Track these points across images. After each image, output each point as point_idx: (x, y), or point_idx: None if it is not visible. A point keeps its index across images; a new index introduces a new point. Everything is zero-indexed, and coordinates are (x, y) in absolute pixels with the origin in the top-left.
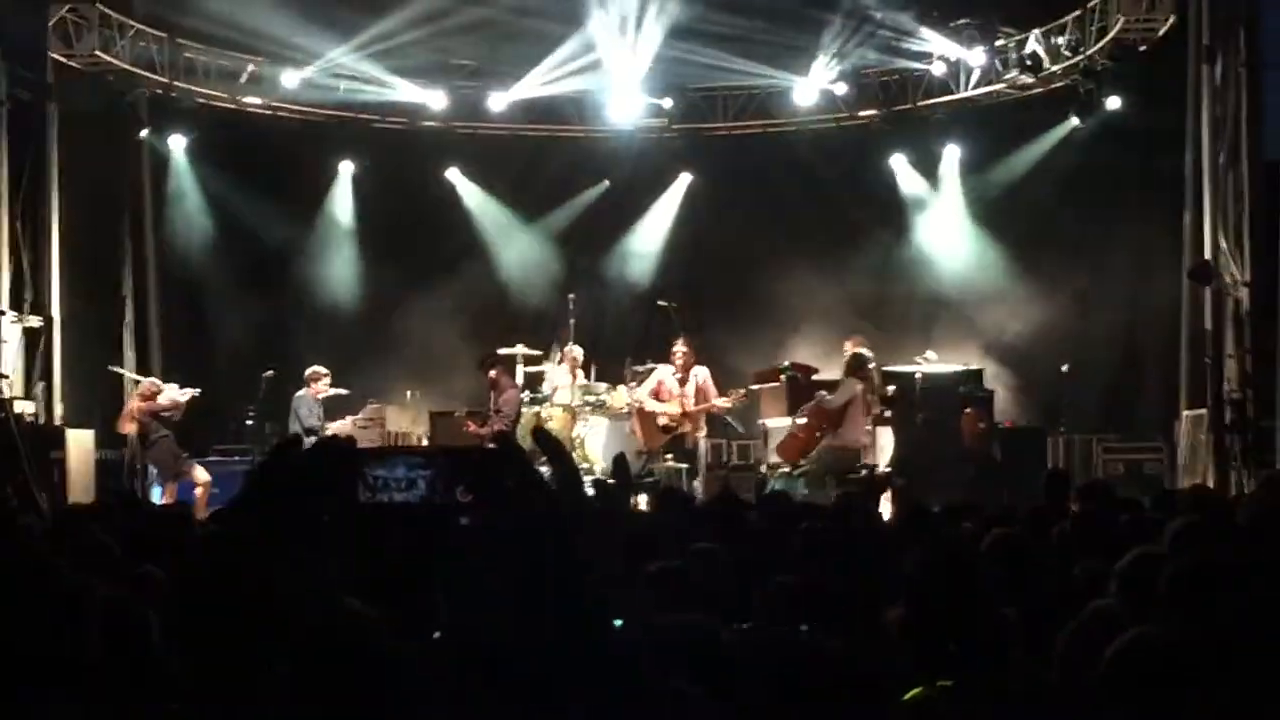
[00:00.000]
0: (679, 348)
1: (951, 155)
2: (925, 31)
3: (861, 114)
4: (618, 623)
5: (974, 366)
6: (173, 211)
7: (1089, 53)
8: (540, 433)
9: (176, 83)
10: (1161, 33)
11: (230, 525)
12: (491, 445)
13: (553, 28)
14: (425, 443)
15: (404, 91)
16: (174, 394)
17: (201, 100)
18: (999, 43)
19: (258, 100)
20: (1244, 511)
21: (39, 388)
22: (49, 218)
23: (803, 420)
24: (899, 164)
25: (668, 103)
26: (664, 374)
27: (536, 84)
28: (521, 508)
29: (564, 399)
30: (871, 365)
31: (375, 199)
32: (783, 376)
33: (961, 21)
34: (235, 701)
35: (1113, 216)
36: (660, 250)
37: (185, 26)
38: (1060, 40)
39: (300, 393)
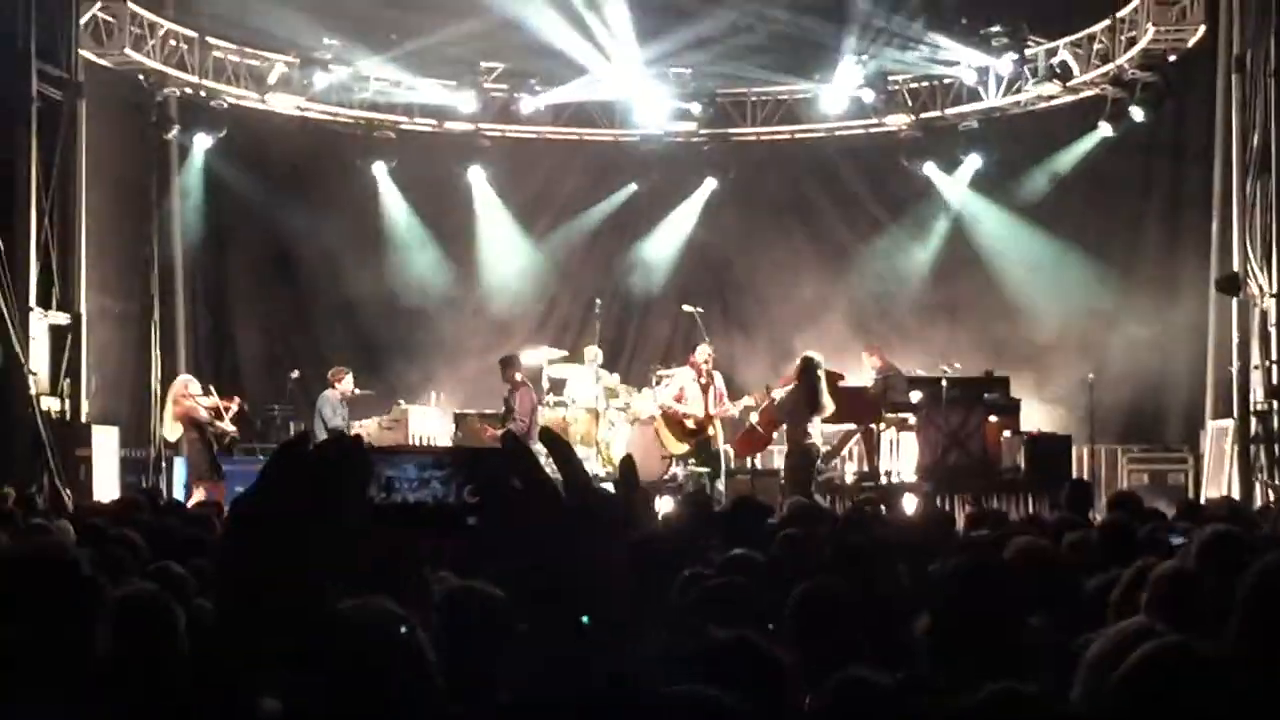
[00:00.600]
0: (703, 352)
1: (979, 163)
2: (945, 40)
3: (889, 121)
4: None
5: (999, 374)
6: (200, 211)
7: (1119, 62)
8: (547, 434)
9: (205, 82)
10: (1191, 43)
11: (244, 513)
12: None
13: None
14: (450, 444)
15: (432, 93)
16: (221, 421)
17: (231, 100)
18: (1028, 51)
19: (286, 100)
20: (1272, 524)
21: (65, 384)
22: (77, 216)
23: (754, 419)
24: (927, 171)
25: (696, 108)
26: (686, 379)
27: (567, 89)
28: (526, 508)
29: (588, 402)
30: (821, 370)
31: (403, 200)
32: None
33: (991, 30)
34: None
35: (1140, 226)
36: (686, 255)
37: (215, 27)
38: (1090, 49)
39: (325, 392)
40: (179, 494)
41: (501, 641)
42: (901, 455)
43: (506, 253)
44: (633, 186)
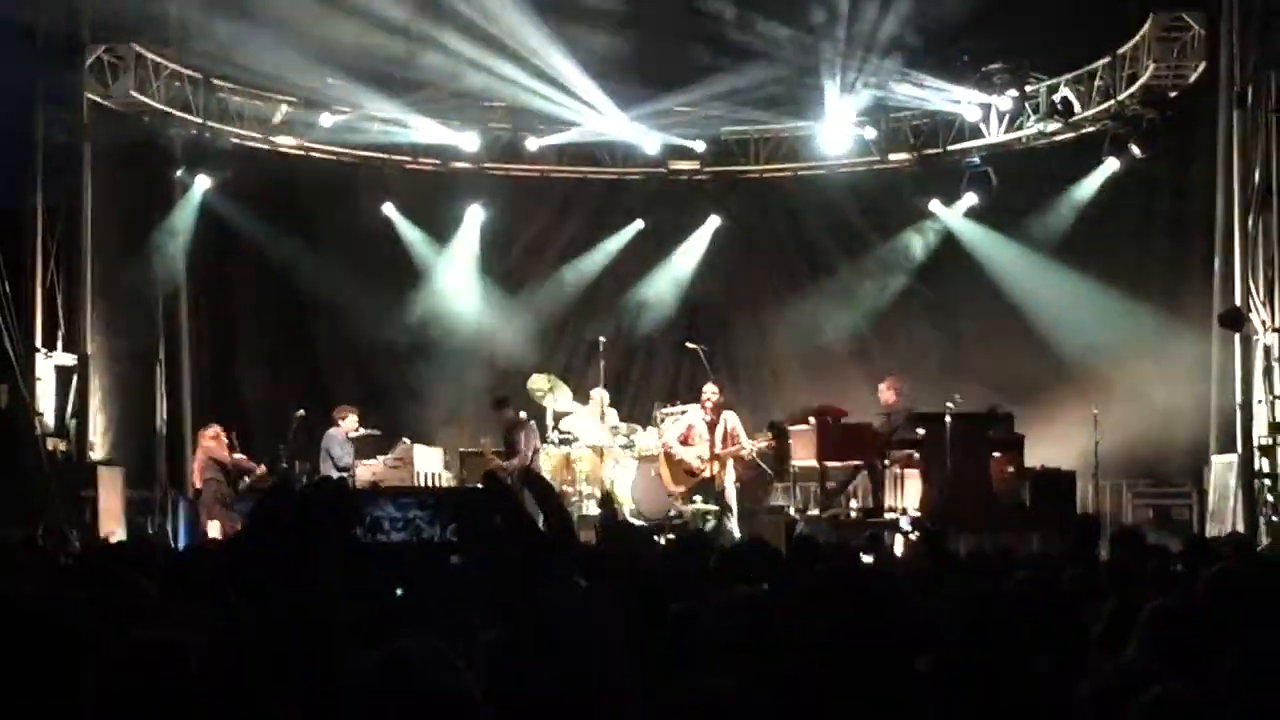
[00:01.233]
0: (709, 391)
1: (983, 200)
2: (946, 77)
3: (892, 158)
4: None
5: (1004, 410)
6: (205, 251)
7: (1120, 98)
8: (528, 474)
9: (210, 123)
10: (1192, 79)
11: (234, 560)
12: (480, 485)
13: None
14: (455, 481)
15: (436, 132)
16: (247, 466)
17: (235, 141)
18: (1030, 88)
19: (291, 141)
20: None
21: (72, 425)
22: (83, 257)
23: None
24: (929, 208)
25: (700, 146)
26: (694, 418)
27: (571, 130)
28: (506, 546)
29: (593, 440)
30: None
31: (407, 239)
32: (812, 419)
33: (993, 67)
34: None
35: (1143, 261)
36: (689, 292)
37: (220, 68)
38: (1091, 86)
39: (330, 431)
40: (183, 534)
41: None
42: (906, 491)
43: (510, 291)
44: (637, 224)
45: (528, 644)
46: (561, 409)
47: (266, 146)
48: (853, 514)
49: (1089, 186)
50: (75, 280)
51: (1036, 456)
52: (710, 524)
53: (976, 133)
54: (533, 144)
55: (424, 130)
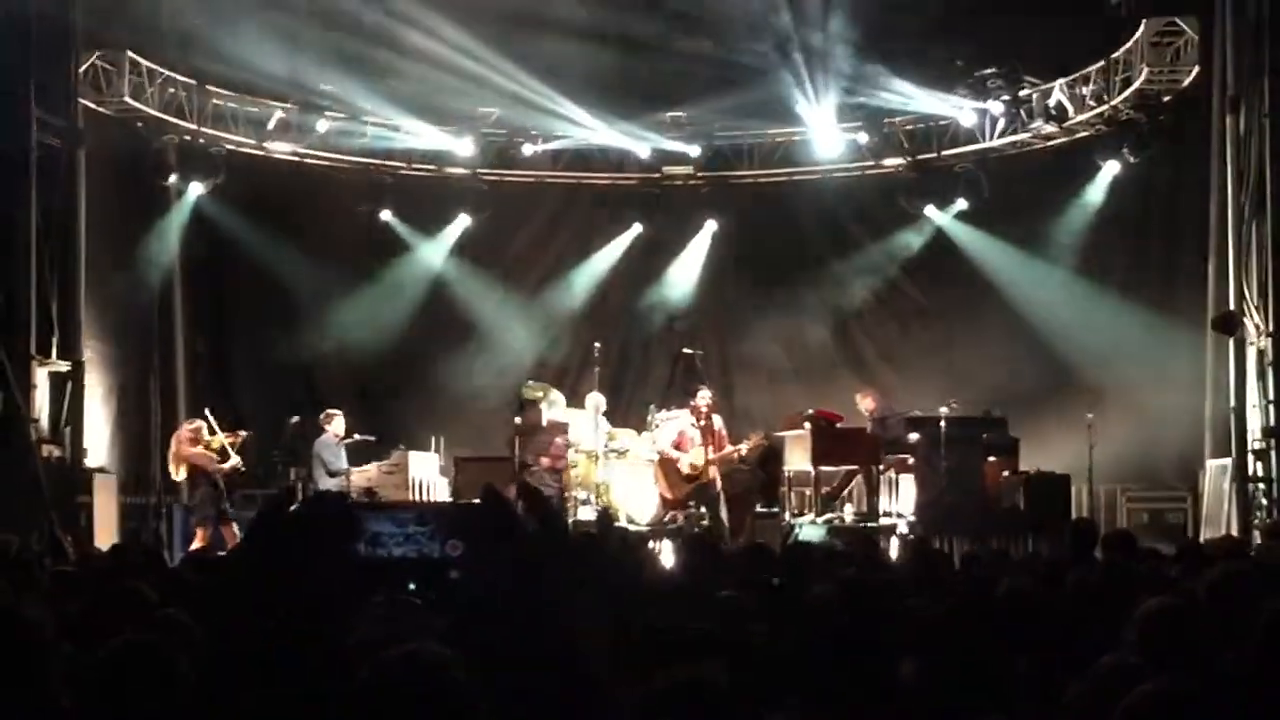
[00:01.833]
0: (703, 396)
1: (976, 205)
2: (940, 81)
3: (886, 163)
4: None
5: (997, 414)
6: (199, 257)
7: (1113, 103)
8: (524, 487)
9: (204, 129)
10: (1186, 84)
11: (231, 575)
12: (478, 500)
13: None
14: (450, 487)
15: (431, 138)
16: (228, 461)
17: (230, 147)
18: (1024, 93)
19: (285, 146)
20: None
21: (66, 432)
22: (77, 263)
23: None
24: (925, 212)
25: (694, 151)
26: (685, 423)
27: (565, 135)
28: (504, 559)
29: (588, 446)
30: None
31: (402, 245)
32: (807, 424)
33: (987, 71)
34: None
35: (1137, 266)
36: (684, 297)
37: (214, 73)
38: (1085, 91)
39: (321, 437)
40: (178, 540)
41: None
42: (902, 496)
43: (506, 297)
44: (631, 230)
45: (517, 651)
46: (555, 416)
47: (260, 152)
48: (848, 519)
49: (1083, 191)
50: (69, 287)
51: (1031, 461)
52: (702, 529)
53: (970, 137)
54: (528, 150)
55: (419, 136)
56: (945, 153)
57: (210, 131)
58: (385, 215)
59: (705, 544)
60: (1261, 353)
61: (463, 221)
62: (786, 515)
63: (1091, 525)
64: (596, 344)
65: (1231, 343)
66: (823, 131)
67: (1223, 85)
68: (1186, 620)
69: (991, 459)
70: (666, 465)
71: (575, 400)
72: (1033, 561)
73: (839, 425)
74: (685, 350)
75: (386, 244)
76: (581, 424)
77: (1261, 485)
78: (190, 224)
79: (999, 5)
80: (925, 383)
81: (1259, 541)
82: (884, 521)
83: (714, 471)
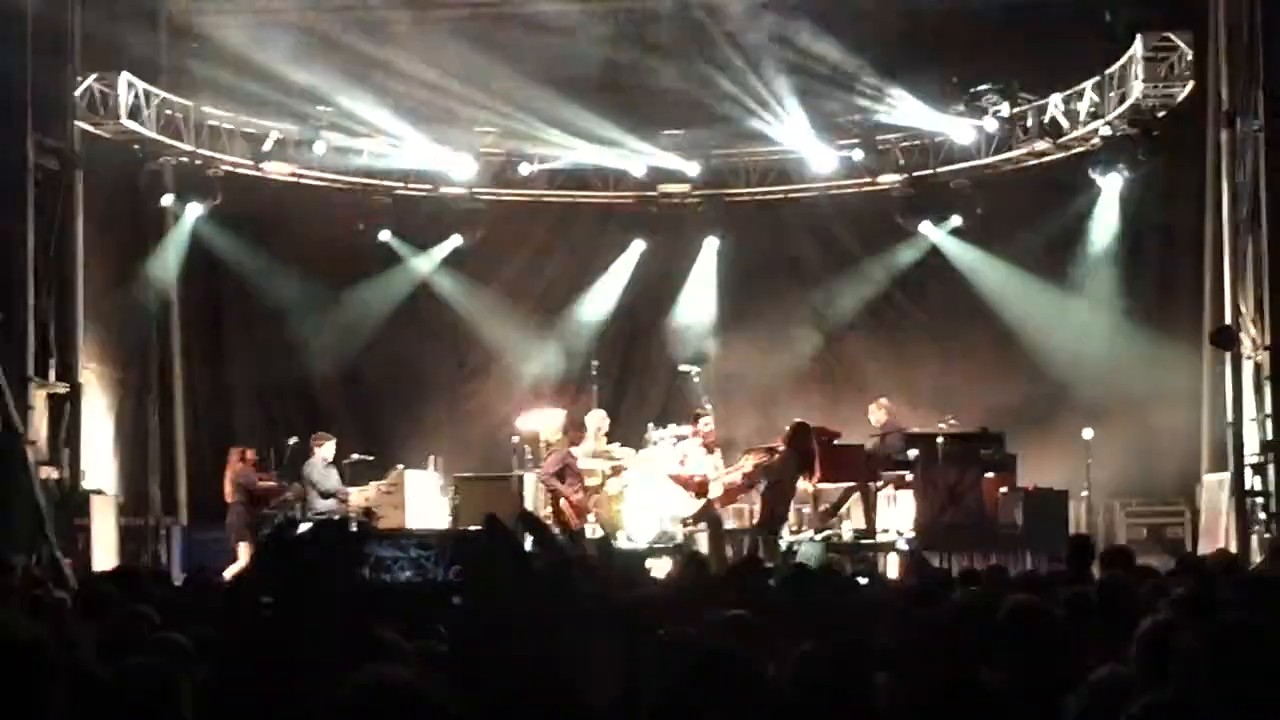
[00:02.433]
0: (706, 422)
1: (971, 221)
2: (936, 98)
3: (882, 180)
4: None
5: (995, 430)
6: (196, 278)
7: (1109, 118)
8: (526, 516)
9: (201, 150)
10: (1180, 99)
11: (238, 600)
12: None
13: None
14: (450, 506)
15: (428, 158)
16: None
17: (226, 168)
18: (1019, 109)
19: (282, 167)
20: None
21: (64, 454)
22: (75, 285)
23: (739, 478)
24: (920, 229)
25: (691, 169)
26: (689, 444)
27: (562, 154)
28: (507, 586)
29: (588, 464)
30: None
31: (399, 264)
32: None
33: (982, 88)
34: None
35: (1133, 280)
36: (680, 315)
37: (210, 94)
38: (1080, 106)
39: (309, 460)
40: (178, 561)
41: None
42: (900, 512)
43: (504, 315)
44: (630, 248)
45: (526, 673)
46: (554, 441)
47: (257, 173)
48: (846, 536)
49: (1078, 206)
50: (67, 309)
51: (1029, 477)
52: (699, 545)
53: (966, 154)
54: (524, 169)
55: (416, 155)
56: (941, 169)
57: (207, 153)
58: (383, 235)
59: (700, 563)
60: (1258, 366)
61: (460, 240)
62: (785, 532)
63: (1089, 541)
64: (595, 362)
65: (1228, 357)
66: (817, 149)
67: (1217, 100)
68: (1184, 636)
69: (989, 475)
70: (681, 483)
71: (575, 419)
72: (1032, 577)
73: (837, 442)
74: (682, 368)
75: (384, 263)
76: (581, 444)
77: (1259, 499)
78: (187, 245)
79: (994, 21)
80: (922, 399)
81: (1258, 555)
82: (882, 538)
83: (718, 490)
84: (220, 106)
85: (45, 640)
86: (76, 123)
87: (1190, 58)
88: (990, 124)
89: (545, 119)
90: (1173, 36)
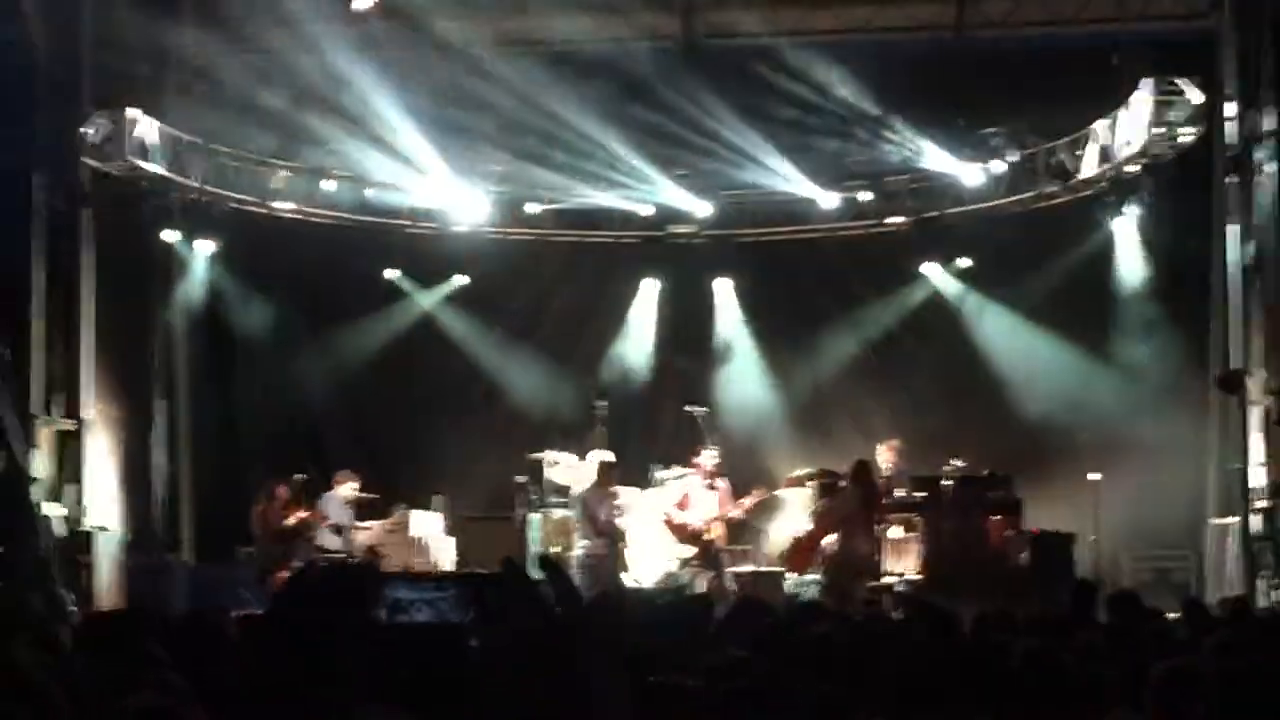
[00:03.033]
0: (709, 455)
1: (980, 262)
2: (944, 140)
3: (889, 221)
4: None
5: (1001, 473)
6: (203, 315)
7: (1117, 162)
8: (545, 561)
9: (208, 188)
10: (1188, 142)
11: (257, 638)
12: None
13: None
14: (454, 545)
15: (436, 196)
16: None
17: (234, 205)
18: (1027, 152)
19: (289, 205)
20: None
21: (69, 491)
22: (81, 323)
23: (808, 529)
24: (928, 270)
25: (697, 210)
26: (691, 484)
27: (569, 194)
28: (521, 626)
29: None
30: (882, 473)
31: (407, 302)
32: (809, 483)
33: (990, 130)
34: None
35: (1140, 324)
36: (688, 354)
37: (217, 133)
38: (1088, 149)
39: (326, 494)
40: (182, 599)
41: None
42: (904, 555)
43: (510, 353)
44: (639, 286)
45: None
46: (561, 480)
47: (264, 210)
48: None
49: (1086, 249)
50: (73, 346)
51: (1036, 520)
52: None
53: (974, 196)
54: (532, 208)
55: (423, 194)
56: (948, 211)
57: (214, 190)
58: (390, 272)
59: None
60: (1266, 411)
61: (467, 278)
62: (788, 576)
63: (1093, 586)
64: (600, 401)
65: (1235, 401)
66: (824, 190)
67: (1224, 144)
68: (1198, 682)
69: (996, 518)
70: (671, 526)
71: (580, 457)
72: (1041, 622)
73: (842, 484)
74: (688, 408)
75: (391, 300)
76: (584, 483)
77: (1266, 543)
78: (194, 283)
79: (1002, 64)
80: (928, 441)
81: (1264, 600)
82: (886, 580)
83: (719, 530)
84: (228, 144)
85: (52, 684)
86: (84, 160)
87: (1198, 102)
88: (998, 166)
89: (552, 157)
90: (1182, 80)
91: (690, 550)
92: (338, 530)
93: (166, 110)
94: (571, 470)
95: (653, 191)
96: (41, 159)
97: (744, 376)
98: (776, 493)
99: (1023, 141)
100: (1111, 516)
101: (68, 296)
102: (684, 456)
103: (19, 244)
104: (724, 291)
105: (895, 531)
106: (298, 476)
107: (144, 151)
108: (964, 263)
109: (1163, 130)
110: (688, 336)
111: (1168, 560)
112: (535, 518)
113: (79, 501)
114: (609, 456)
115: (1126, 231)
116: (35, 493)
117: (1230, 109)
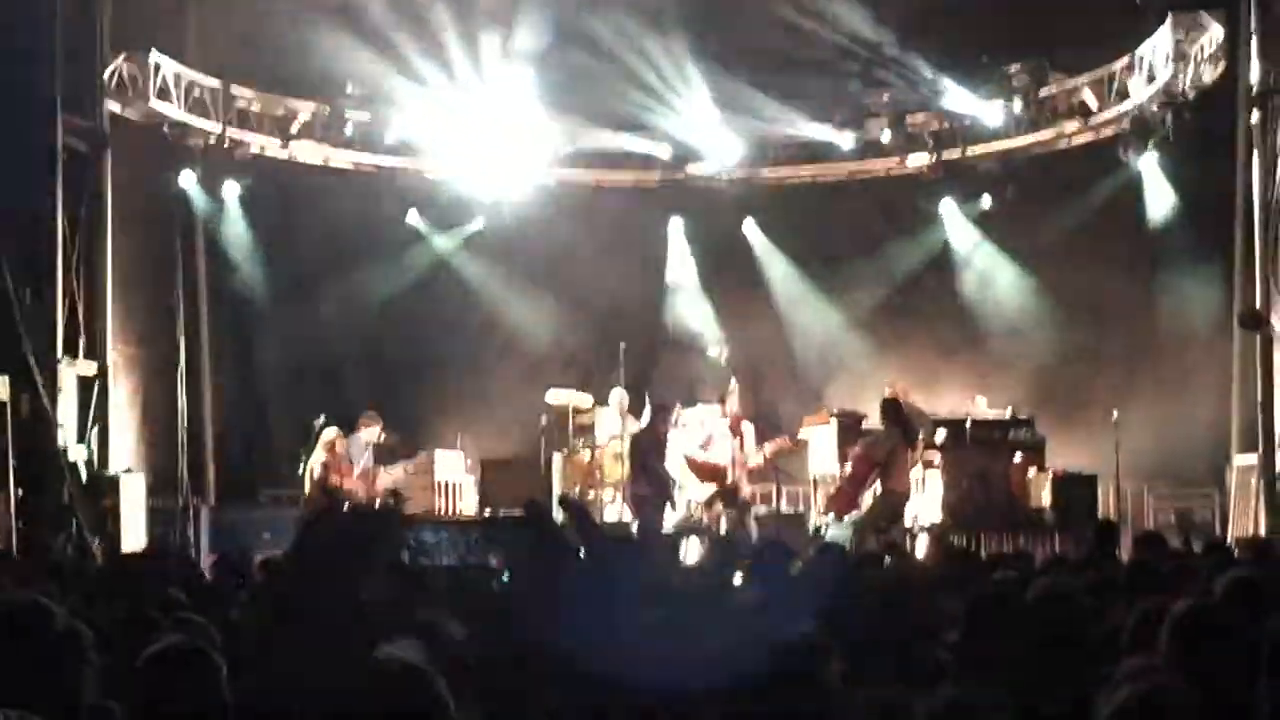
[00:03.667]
0: (734, 400)
1: (1000, 203)
2: (965, 78)
3: (910, 161)
4: None
5: (1024, 413)
6: (225, 258)
7: (1138, 100)
8: (564, 500)
9: (230, 130)
10: (1211, 80)
11: (279, 577)
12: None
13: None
14: (476, 488)
15: (458, 139)
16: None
17: (255, 149)
18: (1048, 90)
19: (311, 148)
20: None
21: (93, 435)
22: (103, 266)
23: (848, 470)
24: (948, 211)
25: (721, 150)
26: (716, 427)
27: (589, 134)
28: (546, 569)
29: (614, 446)
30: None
31: (428, 245)
32: (832, 420)
33: (1012, 68)
34: None
35: (1163, 262)
36: (709, 296)
37: (239, 74)
38: (1110, 87)
39: (351, 435)
40: (205, 543)
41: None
42: (927, 494)
43: (531, 296)
44: (659, 228)
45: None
46: (583, 421)
47: (286, 154)
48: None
49: (1108, 187)
50: (96, 290)
51: (1058, 460)
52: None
53: (995, 135)
54: (553, 150)
55: (445, 137)
56: (970, 150)
57: (236, 133)
58: (411, 217)
59: (729, 545)
60: None
61: (487, 222)
62: (811, 515)
63: (1114, 526)
64: (623, 343)
65: (1258, 339)
66: (853, 128)
67: (1247, 81)
68: (1208, 620)
69: (1018, 458)
70: (693, 465)
71: (601, 398)
72: (1060, 561)
73: (864, 424)
74: (709, 350)
75: (412, 244)
76: (606, 423)
77: None
78: (215, 226)
79: (1024, 2)
80: (951, 381)
81: None
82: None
83: (740, 476)
84: (249, 87)
85: (80, 627)
86: (105, 103)
87: (1222, 38)
88: (1020, 105)
89: (572, 99)
90: (1204, 17)
91: (711, 489)
92: (394, 495)
93: (188, 53)
94: (592, 413)
95: (675, 131)
96: (63, 103)
97: (763, 317)
98: (800, 436)
99: (1045, 79)
100: (1134, 456)
101: (89, 240)
102: (708, 398)
103: (40, 188)
104: (752, 232)
105: (916, 471)
106: (317, 420)
107: (165, 95)
108: (985, 202)
109: (1185, 68)
110: (712, 278)
111: (1190, 500)
112: (557, 458)
113: (102, 445)
114: (624, 395)
115: (1149, 169)
116: (59, 437)
117: (1253, 46)
